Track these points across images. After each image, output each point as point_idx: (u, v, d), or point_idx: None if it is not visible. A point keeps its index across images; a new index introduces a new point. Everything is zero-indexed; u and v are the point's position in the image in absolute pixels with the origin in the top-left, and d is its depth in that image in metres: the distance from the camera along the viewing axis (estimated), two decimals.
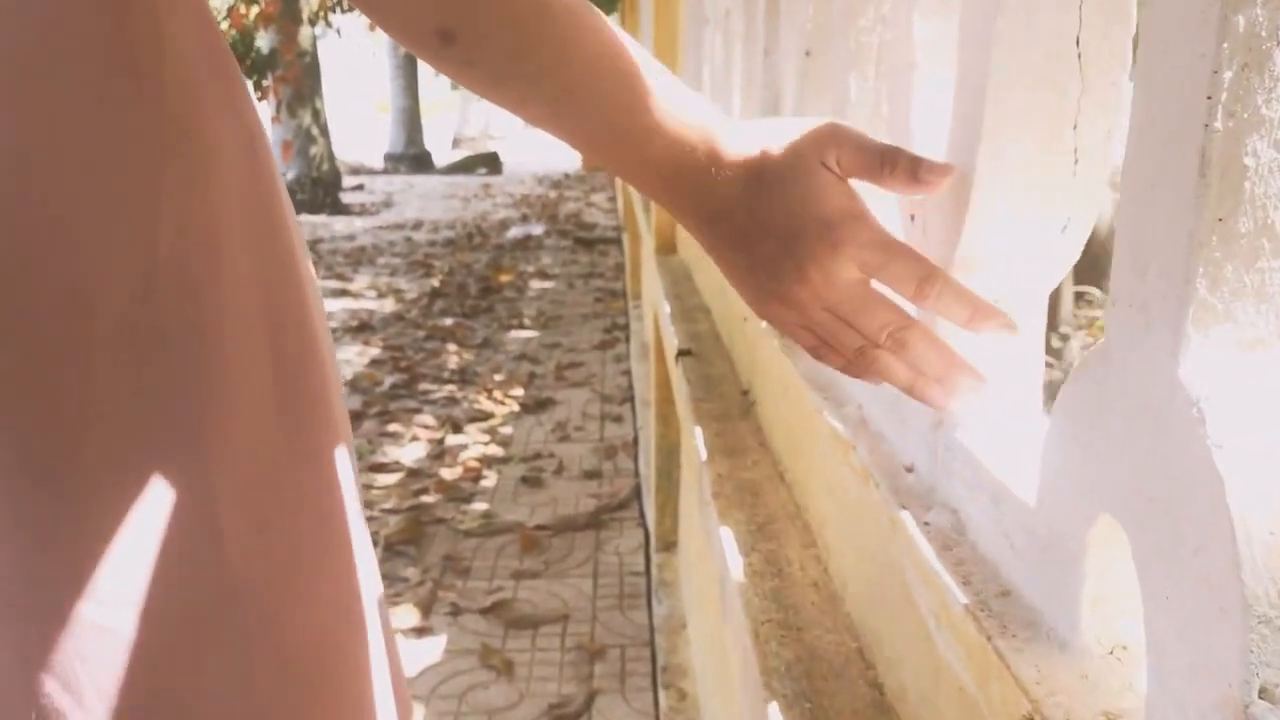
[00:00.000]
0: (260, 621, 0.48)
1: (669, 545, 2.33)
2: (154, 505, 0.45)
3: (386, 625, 0.57)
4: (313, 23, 8.53)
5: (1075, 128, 0.49)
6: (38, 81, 0.43)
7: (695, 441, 1.02)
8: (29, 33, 0.43)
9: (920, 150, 0.60)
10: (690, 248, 1.98)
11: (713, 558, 0.82)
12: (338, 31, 8.89)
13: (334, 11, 8.20)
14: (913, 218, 0.61)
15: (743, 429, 1.04)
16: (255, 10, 7.71)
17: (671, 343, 1.47)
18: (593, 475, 2.96)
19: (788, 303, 0.51)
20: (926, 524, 0.54)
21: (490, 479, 2.95)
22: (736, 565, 0.73)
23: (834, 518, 0.71)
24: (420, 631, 2.13)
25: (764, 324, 1.02)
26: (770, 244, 0.50)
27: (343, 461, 0.54)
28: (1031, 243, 0.53)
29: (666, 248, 2.29)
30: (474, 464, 3.04)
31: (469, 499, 2.80)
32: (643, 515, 2.67)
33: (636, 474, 2.95)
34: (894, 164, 0.50)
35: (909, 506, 0.57)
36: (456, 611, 2.21)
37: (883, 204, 0.64)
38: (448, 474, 2.97)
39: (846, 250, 0.49)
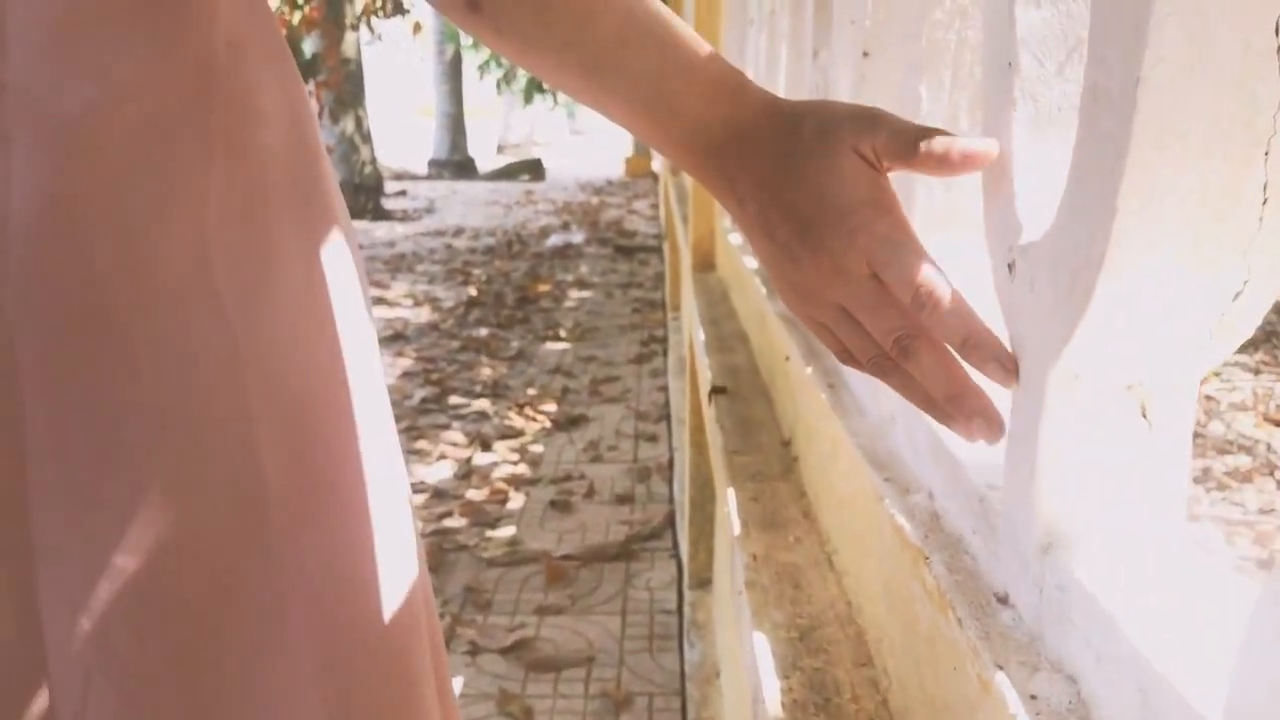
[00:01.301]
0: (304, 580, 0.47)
1: (703, 582, 2.18)
2: (200, 469, 0.44)
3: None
4: (355, 28, 8.49)
5: (1267, 154, 0.34)
6: (94, 34, 0.42)
7: (728, 507, 0.87)
8: None
9: (1025, 187, 0.45)
10: (729, 266, 1.83)
11: (744, 673, 0.67)
12: (379, 37, 8.86)
13: (377, 16, 8.15)
14: (1011, 266, 0.46)
15: (783, 492, 0.89)
16: (299, 15, 7.70)
17: (705, 375, 1.33)
18: (625, 500, 2.81)
19: (805, 295, 0.48)
20: (1034, 697, 0.39)
21: (517, 501, 2.82)
22: (773, 690, 0.58)
23: (898, 642, 0.56)
24: None
25: (809, 370, 0.88)
26: (789, 227, 0.48)
27: (391, 435, 0.53)
28: (1188, 311, 0.38)
29: (704, 264, 2.14)
30: (501, 485, 2.91)
31: (494, 523, 2.67)
32: (676, 546, 2.53)
33: (671, 499, 2.80)
34: (929, 145, 0.45)
35: (1005, 663, 0.42)
36: (475, 651, 2.08)
37: (975, 253, 0.49)
38: (474, 496, 2.84)
39: (859, 241, 0.46)
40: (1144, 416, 0.42)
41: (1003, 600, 0.47)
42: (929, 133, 0.45)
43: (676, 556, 2.47)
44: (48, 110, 0.41)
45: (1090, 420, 0.42)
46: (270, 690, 0.46)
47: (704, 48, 0.51)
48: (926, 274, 0.44)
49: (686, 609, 2.15)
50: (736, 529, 0.81)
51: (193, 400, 0.44)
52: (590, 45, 0.50)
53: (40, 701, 0.43)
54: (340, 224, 0.53)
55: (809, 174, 0.47)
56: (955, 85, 0.63)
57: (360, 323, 0.52)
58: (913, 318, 0.45)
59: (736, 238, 1.71)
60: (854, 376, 0.81)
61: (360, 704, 0.48)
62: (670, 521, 2.66)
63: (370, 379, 0.52)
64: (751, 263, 1.43)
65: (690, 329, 1.99)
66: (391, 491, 0.53)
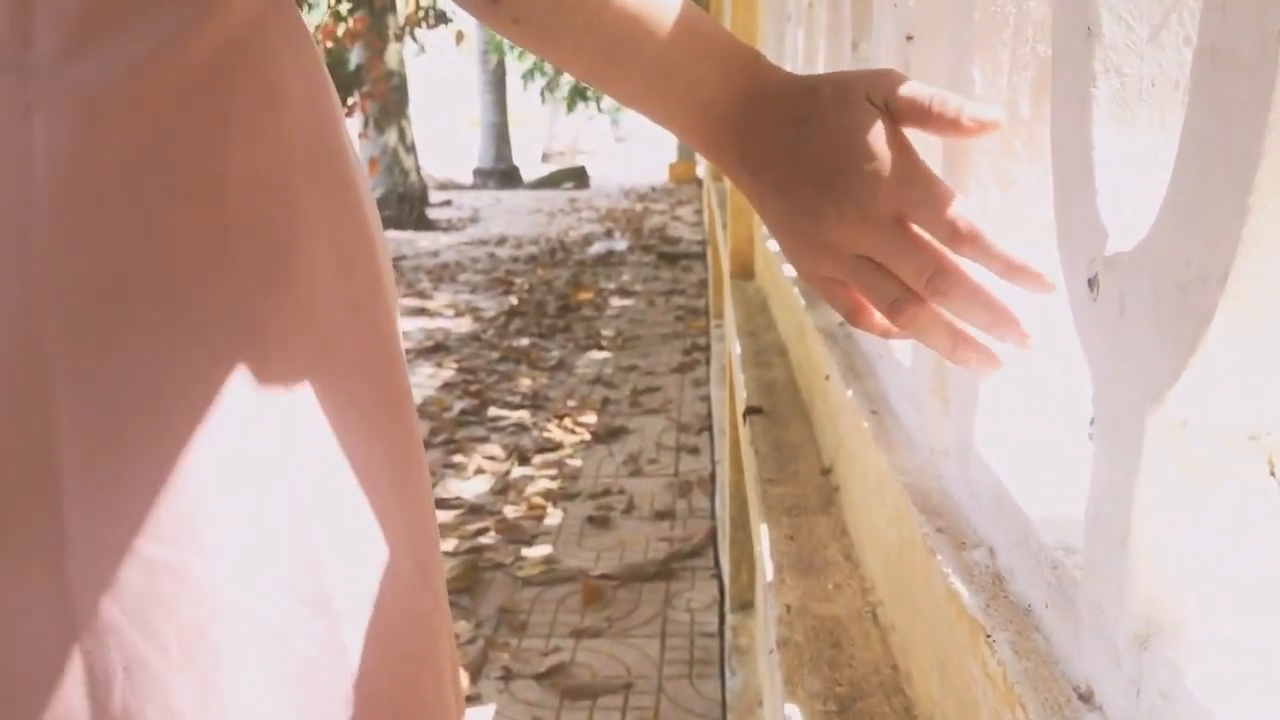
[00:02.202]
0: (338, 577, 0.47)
1: (745, 605, 2.09)
2: (222, 449, 0.44)
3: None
4: (399, 39, 8.52)
5: None
6: (119, 16, 0.43)
7: (761, 546, 0.78)
8: None
9: (1110, 182, 0.36)
10: (768, 274, 1.74)
11: None
12: (423, 47, 8.89)
13: (420, 27, 8.17)
14: (1092, 282, 0.37)
15: (822, 529, 0.80)
16: (344, 27, 7.73)
17: (741, 394, 1.24)
18: (665, 515, 2.73)
19: (825, 250, 0.49)
20: None
21: (555, 517, 2.75)
22: None
23: None
24: (468, 699, 1.93)
25: (849, 392, 0.79)
26: (810, 186, 0.48)
27: (411, 415, 0.54)
28: None
29: (743, 272, 2.05)
30: (539, 500, 2.84)
31: (531, 541, 2.60)
32: (718, 565, 2.43)
33: (713, 515, 2.71)
34: (942, 106, 0.47)
35: None
36: (509, 676, 2.00)
37: (1044, 265, 0.41)
38: (510, 512, 2.77)
39: (885, 186, 0.46)
40: (1273, 474, 0.33)
41: (1085, 699, 0.37)
42: (941, 94, 0.47)
43: (718, 576, 2.38)
44: (70, 87, 0.41)
45: (1202, 478, 0.33)
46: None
47: (716, 25, 0.53)
48: (960, 208, 0.45)
49: (728, 633, 2.05)
50: (770, 573, 0.72)
51: (213, 384, 0.44)
52: (607, 27, 0.50)
53: (76, 690, 0.42)
54: (366, 211, 0.53)
55: (829, 129, 0.48)
56: (1015, 66, 0.54)
57: (388, 313, 0.53)
58: (940, 256, 0.46)
59: (774, 245, 1.62)
60: (900, 402, 0.72)
61: (388, 688, 0.48)
62: (712, 538, 2.57)
63: (398, 369, 0.53)
64: (790, 271, 1.34)
65: (729, 339, 1.90)
66: (418, 485, 0.53)
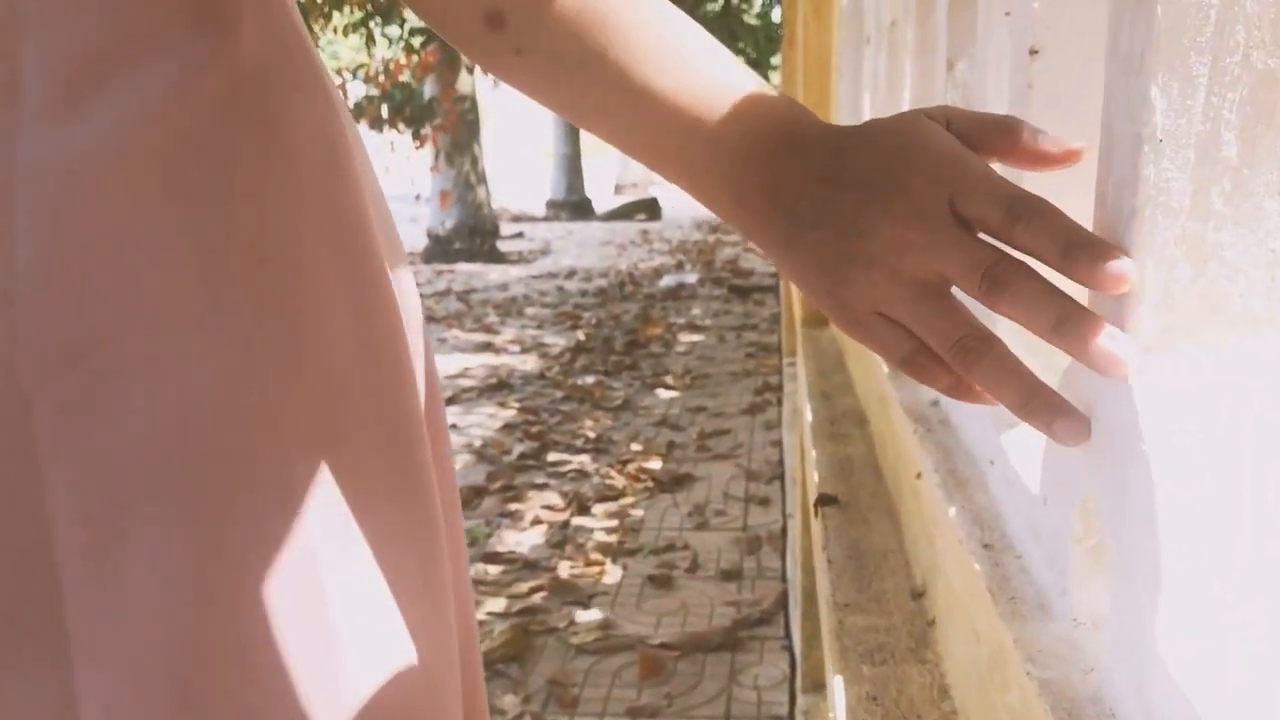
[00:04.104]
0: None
1: (817, 685, 1.88)
2: (234, 506, 0.41)
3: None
4: (470, 69, 8.54)
5: None
6: (111, 72, 0.39)
7: (835, 711, 0.60)
8: None
9: None
10: None
11: None
12: (494, 80, 8.90)
13: None
14: None
15: (915, 685, 0.62)
16: (415, 60, 7.77)
17: (812, 476, 1.06)
18: (732, 576, 2.53)
19: (874, 272, 0.42)
20: None
21: (613, 575, 2.58)
22: None
23: None
24: None
25: (951, 511, 0.61)
26: (855, 197, 0.43)
27: (434, 498, 0.49)
28: None
29: (815, 318, 1.87)
30: (597, 556, 2.67)
31: (587, 602, 2.43)
32: (789, 635, 2.23)
33: (783, 576, 2.51)
34: (1014, 131, 0.42)
35: None
36: None
37: None
38: (566, 568, 2.61)
39: (942, 173, 0.41)
40: None
41: None
42: (1013, 119, 0.43)
43: (789, 648, 2.18)
44: (56, 152, 0.39)
45: None
46: None
47: (745, 73, 0.48)
48: (1017, 188, 0.41)
49: (799, 718, 1.86)
50: None
51: (214, 465, 0.41)
52: (626, 55, 0.45)
53: None
54: (386, 277, 0.49)
55: (877, 146, 0.44)
56: (1218, 83, 0.36)
57: (411, 387, 0.49)
58: (1000, 250, 0.41)
59: None
60: (1024, 536, 0.54)
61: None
62: (783, 603, 2.37)
63: (421, 448, 0.49)
64: None
65: (800, 399, 1.72)
66: (437, 571, 0.49)
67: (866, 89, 1.46)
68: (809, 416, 1.23)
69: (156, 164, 0.40)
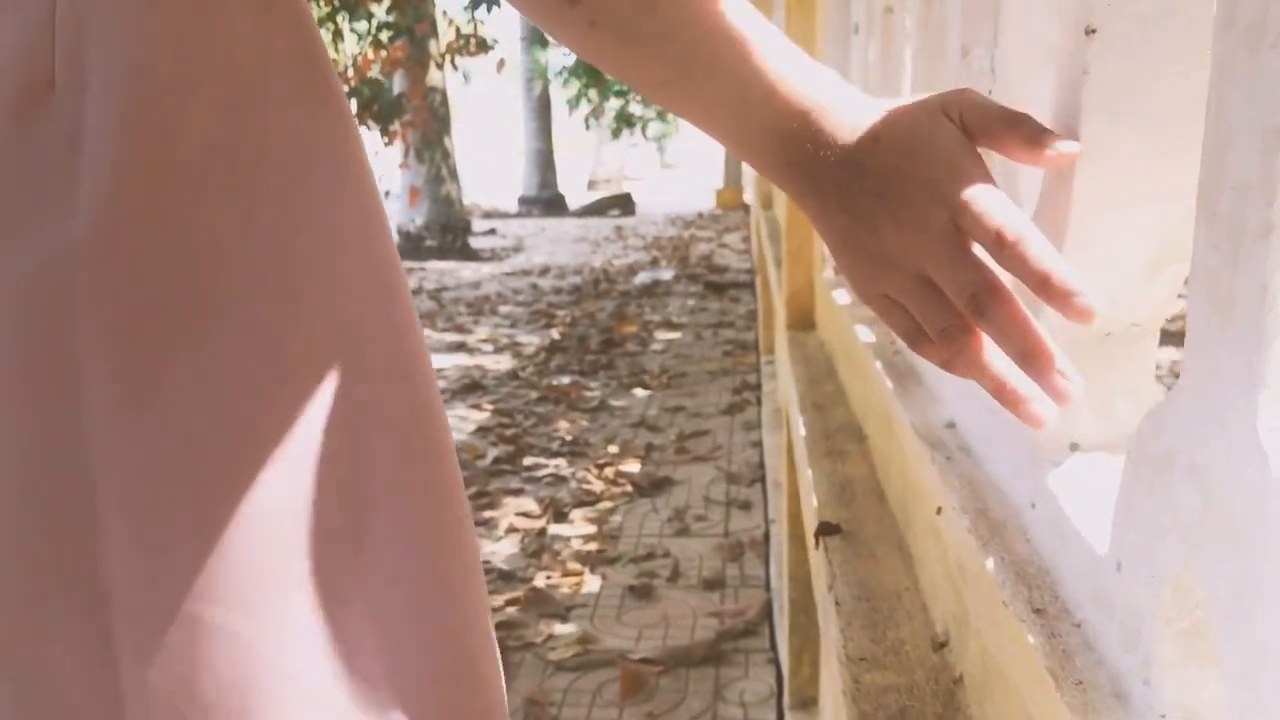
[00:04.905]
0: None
1: (806, 702, 1.81)
2: (268, 508, 0.44)
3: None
4: (439, 66, 8.40)
5: None
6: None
7: None
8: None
9: None
10: (833, 328, 1.48)
11: None
12: (465, 76, 8.77)
13: (461, 54, 8.04)
14: None
15: None
16: (383, 56, 7.63)
17: (810, 501, 0.98)
18: (714, 585, 2.46)
19: (882, 263, 0.48)
20: None
21: (592, 585, 2.49)
22: None
23: None
24: None
25: (989, 563, 0.53)
26: (869, 196, 0.47)
27: (449, 462, 0.52)
28: None
29: (801, 321, 1.79)
30: (575, 566, 2.58)
31: (565, 615, 2.34)
32: (774, 647, 2.16)
33: (767, 585, 2.44)
34: (1017, 125, 0.45)
35: None
36: None
37: None
38: (543, 579, 2.52)
39: (944, 193, 0.45)
40: None
41: None
42: (1020, 114, 0.46)
43: (775, 661, 2.10)
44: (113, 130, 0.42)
45: None
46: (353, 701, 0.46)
47: (786, 41, 0.51)
48: (1009, 215, 0.44)
49: None
50: None
51: (256, 440, 0.44)
52: (688, 31, 0.49)
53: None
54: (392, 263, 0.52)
55: (899, 141, 0.47)
56: None
57: (426, 365, 0.52)
58: (988, 275, 0.45)
59: (844, 295, 1.36)
60: (1088, 604, 0.46)
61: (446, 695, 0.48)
62: (767, 613, 2.30)
63: (439, 412, 0.52)
64: (867, 336, 1.08)
65: (786, 407, 1.64)
66: (459, 507, 0.52)
67: (856, 83, 1.38)
68: (802, 431, 1.15)
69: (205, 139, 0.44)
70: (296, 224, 0.46)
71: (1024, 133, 0.45)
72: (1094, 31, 0.45)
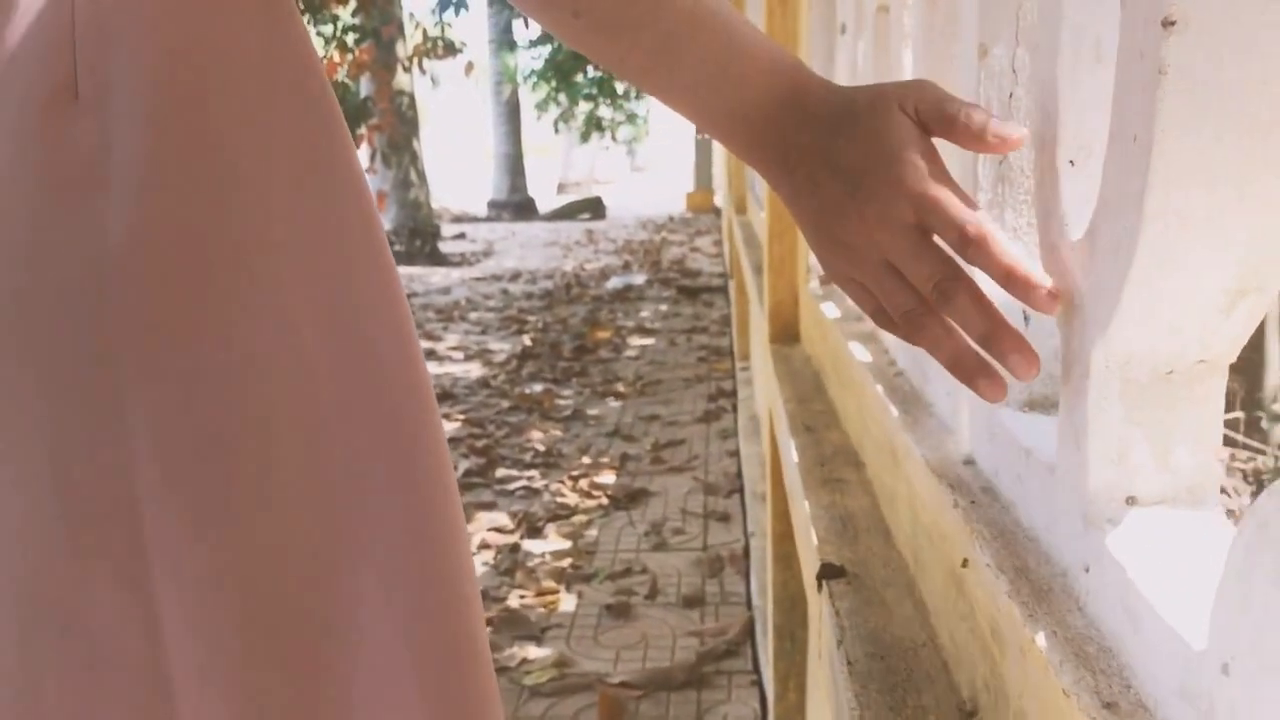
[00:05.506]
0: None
1: None
2: (298, 471, 0.49)
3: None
4: (406, 69, 8.28)
5: None
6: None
7: None
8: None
9: None
10: (822, 343, 1.41)
11: None
12: (433, 79, 8.65)
13: (429, 57, 7.93)
14: None
15: None
16: (350, 59, 7.50)
17: (809, 539, 0.90)
18: (693, 602, 2.38)
19: (848, 250, 0.51)
20: None
21: (568, 604, 2.41)
22: None
23: None
24: None
25: (1038, 639, 0.46)
26: (839, 185, 0.50)
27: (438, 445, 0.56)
28: None
29: (785, 335, 1.72)
30: (550, 584, 2.50)
31: (540, 636, 2.26)
32: (757, 669, 2.09)
33: (749, 603, 2.37)
34: (969, 118, 0.48)
35: None
36: None
37: None
38: (517, 598, 2.44)
39: (907, 191, 0.48)
40: None
41: None
42: (971, 106, 0.49)
43: (759, 683, 2.03)
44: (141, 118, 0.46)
45: None
46: (370, 680, 0.49)
47: (758, 30, 0.54)
48: (972, 214, 0.47)
49: None
50: None
51: (280, 418, 0.48)
52: (662, 23, 0.52)
53: (157, 694, 0.46)
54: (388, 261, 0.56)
55: (862, 132, 0.50)
56: None
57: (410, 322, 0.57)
58: (951, 266, 0.48)
59: (833, 309, 1.29)
60: (1164, 701, 0.39)
61: (455, 695, 0.53)
62: (749, 632, 2.23)
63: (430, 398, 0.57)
64: (864, 355, 1.01)
65: (773, 426, 1.57)
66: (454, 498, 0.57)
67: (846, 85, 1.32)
68: (794, 457, 1.08)
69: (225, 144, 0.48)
70: (305, 221, 0.50)
71: (975, 122, 0.47)
72: (1173, 23, 0.38)
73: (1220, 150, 0.39)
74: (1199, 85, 0.38)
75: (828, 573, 0.79)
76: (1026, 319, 0.64)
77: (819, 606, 0.80)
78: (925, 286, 0.48)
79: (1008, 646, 0.51)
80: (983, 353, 0.49)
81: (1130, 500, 0.48)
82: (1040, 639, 0.46)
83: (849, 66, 1.29)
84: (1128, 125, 0.42)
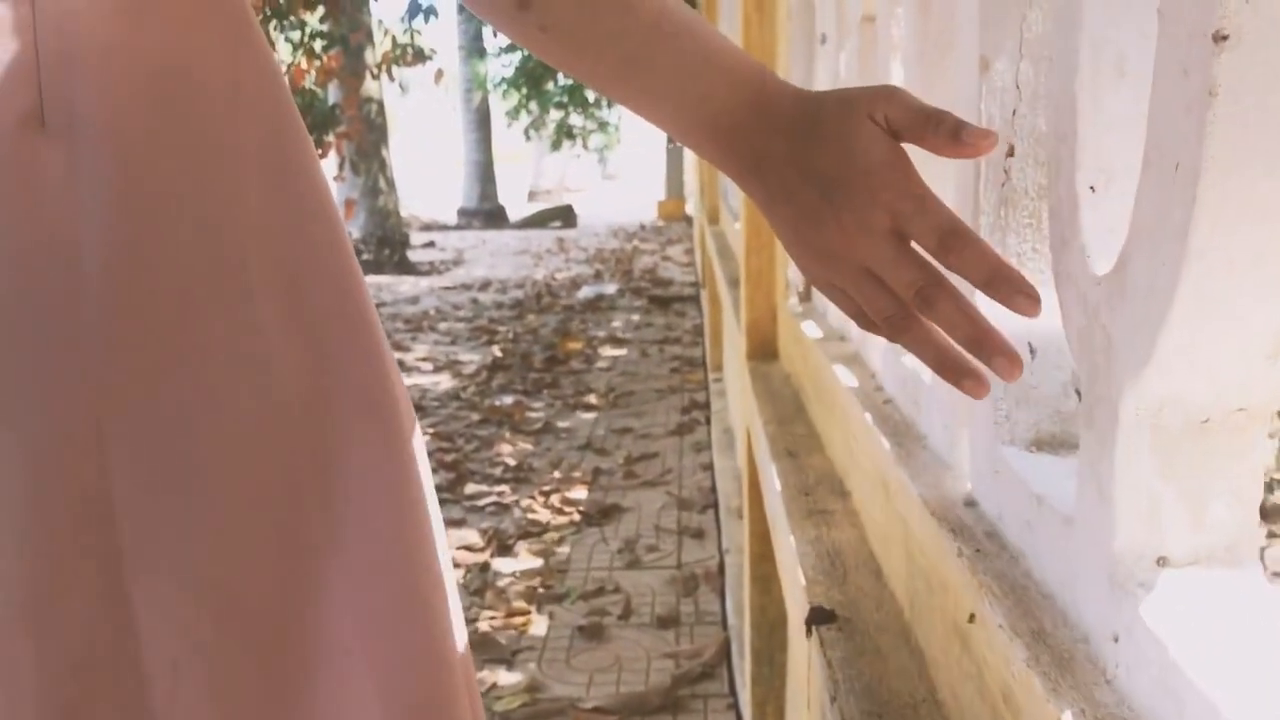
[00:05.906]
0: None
1: None
2: (270, 476, 0.50)
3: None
4: (375, 76, 8.20)
5: None
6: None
7: None
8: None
9: None
10: (802, 361, 1.37)
11: None
12: (402, 87, 8.58)
13: (398, 64, 7.85)
14: None
15: None
16: (317, 66, 7.41)
17: (796, 578, 0.86)
18: (668, 623, 2.33)
19: (827, 257, 0.51)
20: None
21: (539, 626, 2.35)
22: None
23: None
24: None
25: (1067, 717, 0.41)
26: (813, 193, 0.50)
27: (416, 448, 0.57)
28: None
29: (763, 351, 1.68)
30: (521, 604, 2.44)
31: (511, 660, 2.20)
32: (734, 691, 2.04)
33: (724, 622, 2.32)
34: (939, 123, 0.47)
35: None
36: None
37: None
38: (487, 619, 2.37)
39: (882, 199, 0.48)
40: None
41: None
42: (940, 111, 0.48)
43: (735, 707, 1.98)
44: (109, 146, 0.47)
45: None
46: (330, 674, 0.51)
47: (726, 39, 0.55)
48: (951, 220, 0.47)
49: None
50: None
51: (259, 457, 0.50)
52: (629, 36, 0.53)
53: (134, 689, 0.47)
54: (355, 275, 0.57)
55: (832, 140, 0.49)
56: None
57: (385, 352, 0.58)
58: (931, 271, 0.48)
59: (814, 328, 1.25)
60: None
61: (411, 696, 0.52)
62: (725, 653, 2.18)
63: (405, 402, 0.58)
64: (850, 380, 0.97)
65: (751, 446, 1.52)
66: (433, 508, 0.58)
67: None
68: (776, 485, 1.03)
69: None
70: (273, 235, 0.51)
71: (946, 128, 0.46)
72: (1226, 38, 0.34)
73: (1274, 183, 0.35)
74: (1253, 109, 0.34)
75: (817, 617, 0.74)
76: (1033, 351, 0.60)
77: (806, 651, 0.75)
78: (907, 293, 0.48)
79: (1024, 717, 0.47)
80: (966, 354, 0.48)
81: (1162, 561, 0.44)
82: (1067, 718, 0.41)
83: (830, 78, 1.25)
84: (1168, 151, 0.37)
